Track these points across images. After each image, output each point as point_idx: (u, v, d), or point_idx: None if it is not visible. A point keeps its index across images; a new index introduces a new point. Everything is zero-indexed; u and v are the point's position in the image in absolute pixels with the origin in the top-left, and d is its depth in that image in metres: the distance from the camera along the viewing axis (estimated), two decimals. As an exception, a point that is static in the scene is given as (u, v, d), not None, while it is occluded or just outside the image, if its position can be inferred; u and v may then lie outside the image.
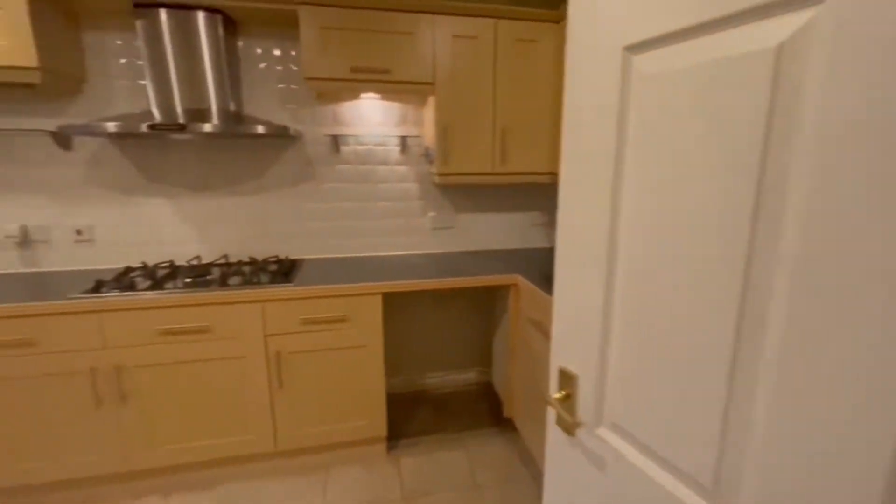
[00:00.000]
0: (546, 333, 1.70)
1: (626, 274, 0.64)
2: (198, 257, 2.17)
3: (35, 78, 1.67)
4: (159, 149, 2.09)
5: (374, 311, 1.87)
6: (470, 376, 2.71)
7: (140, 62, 1.98)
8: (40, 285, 1.83)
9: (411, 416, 2.39)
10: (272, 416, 1.86)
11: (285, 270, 1.99)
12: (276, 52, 2.12)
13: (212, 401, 1.80)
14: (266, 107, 2.16)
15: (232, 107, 1.98)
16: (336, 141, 2.26)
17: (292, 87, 2.17)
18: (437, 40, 1.96)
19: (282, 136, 2.08)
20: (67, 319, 1.62)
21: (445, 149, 2.07)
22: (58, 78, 1.78)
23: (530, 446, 1.96)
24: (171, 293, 1.70)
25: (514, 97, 2.09)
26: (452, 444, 2.16)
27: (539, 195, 2.57)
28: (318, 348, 1.85)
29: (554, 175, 2.20)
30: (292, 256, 2.32)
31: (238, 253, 2.26)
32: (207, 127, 1.75)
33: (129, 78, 2.00)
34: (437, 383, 2.67)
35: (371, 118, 2.28)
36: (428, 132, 2.24)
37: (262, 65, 2.12)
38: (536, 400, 1.83)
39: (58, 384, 1.66)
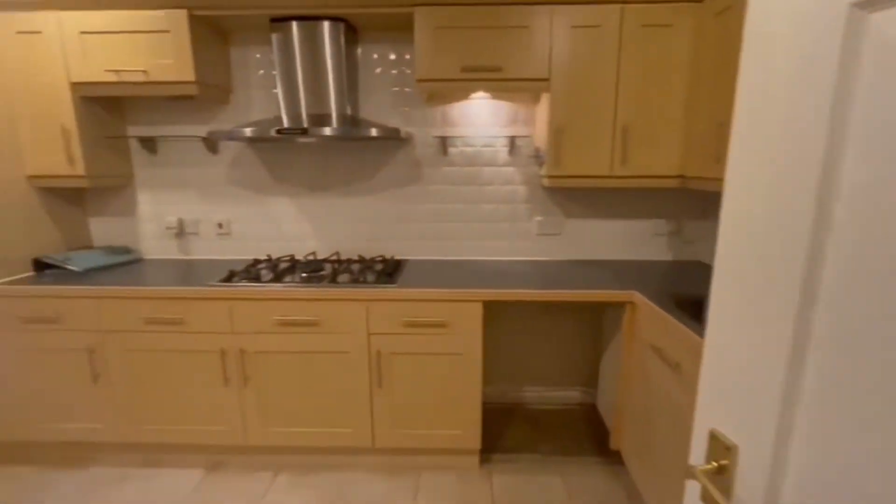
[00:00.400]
0: (670, 363, 1.46)
1: (839, 313, 0.46)
2: (314, 253, 2.32)
3: (193, 91, 1.92)
4: (286, 152, 2.27)
5: (473, 319, 1.80)
6: (571, 395, 2.51)
7: (274, 73, 2.17)
8: (189, 271, 2.10)
9: (506, 429, 2.28)
10: (371, 414, 1.90)
11: (390, 271, 2.02)
12: (392, 57, 2.16)
13: (318, 391, 1.90)
14: (380, 110, 2.22)
15: (349, 111, 2.06)
16: (444, 142, 2.24)
17: (406, 90, 2.20)
18: (555, 32, 1.82)
19: (393, 139, 2.13)
20: (206, 304, 1.83)
21: (558, 149, 1.92)
22: (210, 90, 2.02)
23: (640, 486, 1.72)
24: (288, 286, 1.82)
25: (639, 91, 1.86)
26: (549, 467, 2.00)
27: (663, 201, 2.27)
28: (417, 351, 1.84)
29: (684, 178, 1.91)
30: (397, 257, 2.36)
31: (349, 250, 2.37)
32: (327, 131, 1.85)
33: (265, 88, 2.20)
34: (534, 398, 2.52)
35: (480, 119, 2.21)
36: (539, 132, 2.11)
37: (378, 69, 2.18)
38: (652, 437, 1.59)
39: (196, 360, 1.88)
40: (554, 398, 2.51)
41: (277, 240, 2.37)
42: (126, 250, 2.31)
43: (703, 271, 2.09)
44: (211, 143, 2.26)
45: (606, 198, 2.28)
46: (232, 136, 1.87)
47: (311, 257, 2.32)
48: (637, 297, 1.75)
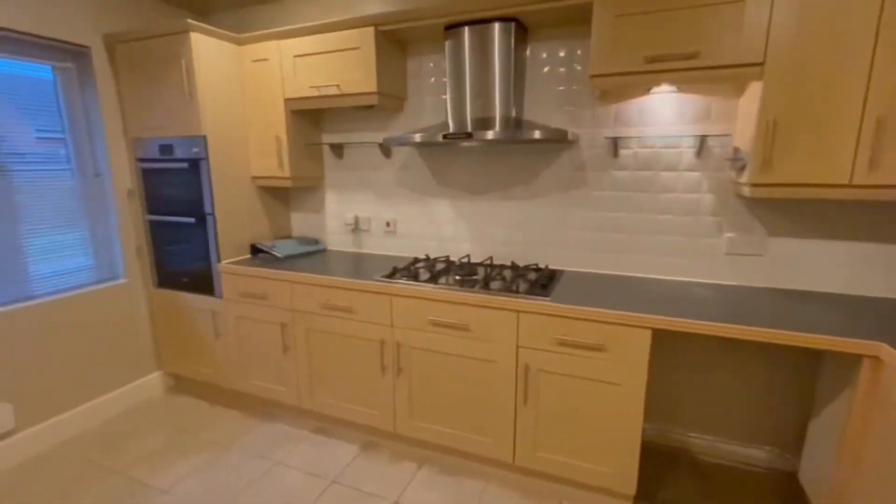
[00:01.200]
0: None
1: None
2: (468, 256, 2.34)
3: (374, 101, 2.10)
4: (450, 155, 2.33)
5: (639, 347, 1.56)
6: (757, 455, 2.02)
7: (444, 79, 2.25)
8: (360, 264, 2.33)
9: (665, 477, 1.95)
10: (513, 429, 1.82)
11: (544, 282, 1.90)
12: (561, 54, 2.03)
13: (464, 395, 1.90)
14: (545, 111, 2.11)
15: (513, 113, 2.00)
16: (615, 144, 2.01)
17: (574, 87, 2.04)
18: (779, 3, 1.44)
19: (558, 141, 2.00)
20: (370, 296, 1.99)
21: (769, 150, 1.53)
22: (387, 99, 2.19)
23: None
24: (442, 288, 1.86)
25: (908, 69, 1.36)
26: (725, 539, 1.64)
27: (935, 220, 1.64)
28: (568, 373, 1.69)
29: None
30: (552, 266, 2.23)
31: (502, 255, 2.32)
32: (490, 134, 1.81)
33: (435, 94, 2.30)
34: (704, 447, 2.10)
35: (661, 116, 1.92)
36: (741, 129, 1.72)
37: (546, 69, 2.07)
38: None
39: (360, 347, 2.07)
40: (732, 454, 2.06)
41: (436, 240, 2.46)
42: (315, 241, 2.69)
43: None
44: (385, 148, 2.46)
45: (835, 212, 1.75)
46: (403, 142, 1.98)
47: (465, 260, 2.35)
48: (886, 351, 1.28)
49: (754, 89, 1.59)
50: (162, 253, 2.51)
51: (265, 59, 2.28)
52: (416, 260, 2.33)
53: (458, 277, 1.99)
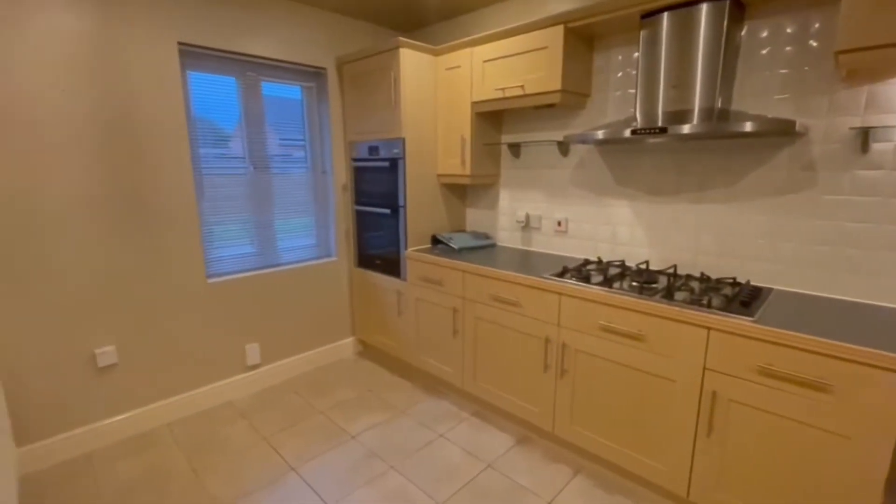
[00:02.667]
0: None
1: None
2: (646, 262, 2.16)
3: (556, 99, 2.10)
4: (633, 153, 2.18)
5: (885, 395, 1.22)
6: None
7: (633, 72, 2.11)
8: (528, 261, 2.36)
9: (915, 576, 1.48)
10: (690, 460, 1.62)
11: (745, 298, 1.63)
12: (789, 30, 1.70)
13: (633, 410, 1.77)
14: (759, 100, 1.79)
15: (718, 104, 1.76)
16: (865, 136, 1.59)
17: (805, 69, 1.69)
18: None
19: (780, 134, 1.69)
20: (539, 293, 2.01)
21: None
22: (570, 97, 2.16)
23: None
24: (616, 293, 1.76)
25: None
26: None
27: None
28: (771, 410, 1.42)
29: None
30: (754, 282, 1.89)
31: (688, 265, 2.08)
32: (685, 128, 1.64)
33: (621, 89, 2.17)
34: None
35: (949, 97, 1.44)
36: None
37: (765, 50, 1.76)
38: None
39: (524, 342, 2.11)
40: None
41: (609, 243, 2.34)
42: (486, 236, 2.84)
43: None
44: (563, 147, 2.44)
45: None
46: (584, 139, 1.94)
47: (643, 266, 2.17)
48: None
49: None
50: (362, 238, 2.99)
51: (457, 67, 2.49)
52: (587, 262, 2.26)
53: (634, 283, 1.86)
